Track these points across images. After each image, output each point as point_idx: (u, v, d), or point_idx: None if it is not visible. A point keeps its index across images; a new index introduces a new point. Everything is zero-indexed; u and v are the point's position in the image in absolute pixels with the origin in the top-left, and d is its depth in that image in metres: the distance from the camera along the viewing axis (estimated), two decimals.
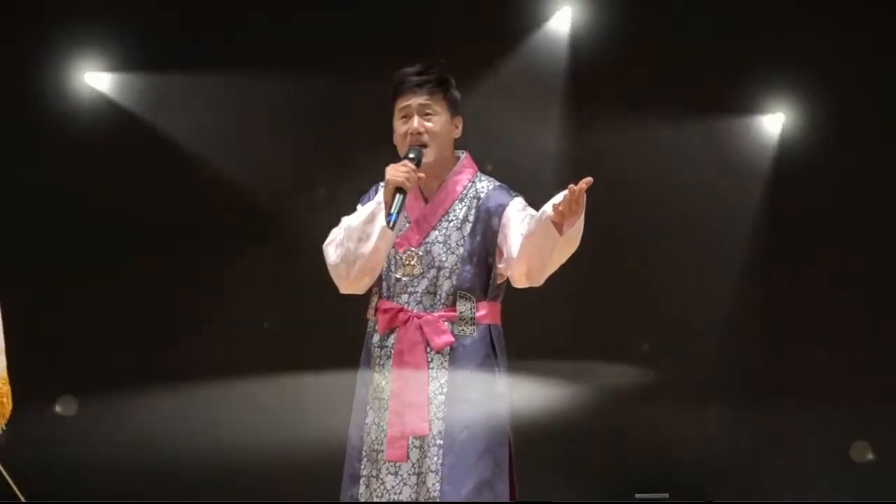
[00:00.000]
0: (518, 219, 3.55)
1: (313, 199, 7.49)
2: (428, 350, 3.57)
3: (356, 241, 3.56)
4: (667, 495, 6.87)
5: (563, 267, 3.67)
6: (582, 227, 3.47)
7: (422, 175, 3.58)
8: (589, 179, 3.33)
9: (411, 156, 3.60)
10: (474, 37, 8.46)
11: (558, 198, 3.37)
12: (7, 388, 6.37)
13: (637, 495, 6.73)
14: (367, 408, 3.63)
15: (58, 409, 6.22)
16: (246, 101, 7.96)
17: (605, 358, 7.48)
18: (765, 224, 8.69)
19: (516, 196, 3.67)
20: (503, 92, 8.57)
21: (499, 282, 3.66)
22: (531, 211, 3.57)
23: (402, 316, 3.59)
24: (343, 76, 8.49)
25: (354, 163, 7.32)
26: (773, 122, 9.33)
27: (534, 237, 3.47)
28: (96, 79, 8.86)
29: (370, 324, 3.71)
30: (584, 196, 3.35)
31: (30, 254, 7.95)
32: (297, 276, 7.17)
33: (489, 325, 3.63)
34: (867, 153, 8.68)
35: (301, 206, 7.58)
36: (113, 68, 8.67)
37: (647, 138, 8.73)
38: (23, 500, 6.74)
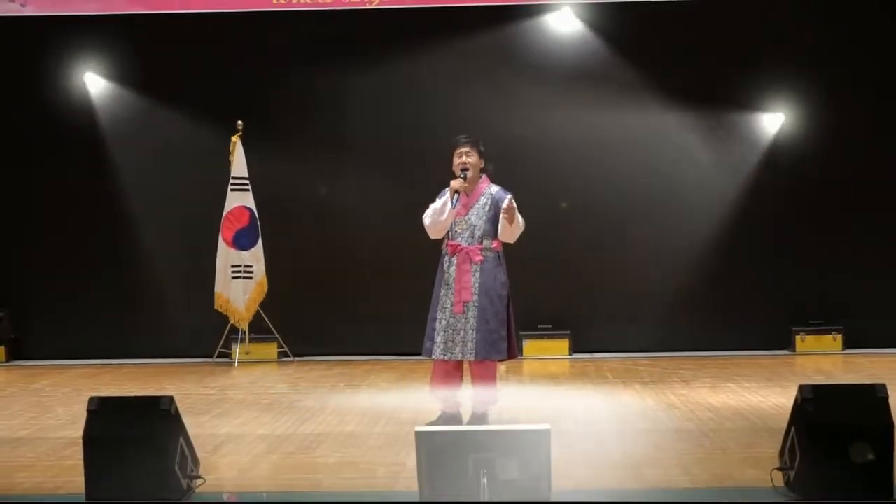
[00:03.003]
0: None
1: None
2: (471, 262, 7.98)
3: (438, 215, 7.96)
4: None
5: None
6: (521, 222, 7.78)
7: (467, 185, 8.00)
8: (510, 196, 7.77)
9: (462, 175, 8.03)
10: (479, 41, 11.99)
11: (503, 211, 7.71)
12: (265, 281, 11.50)
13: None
14: (442, 289, 8.05)
15: None
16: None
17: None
18: (759, 212, 12.14)
19: (508, 193, 8.01)
20: (512, 87, 12.14)
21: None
22: (513, 204, 7.83)
23: (459, 248, 8.01)
24: (346, 85, 12.33)
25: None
26: (773, 121, 12.07)
27: (502, 221, 7.82)
28: (93, 81, 12.48)
29: (443, 251, 8.12)
30: (514, 208, 7.67)
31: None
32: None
33: (499, 251, 8.04)
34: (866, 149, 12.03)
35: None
36: (110, 76, 12.48)
37: (654, 131, 12.18)
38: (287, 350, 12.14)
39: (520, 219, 7.87)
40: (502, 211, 7.77)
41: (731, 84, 12.14)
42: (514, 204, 7.74)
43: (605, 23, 12.21)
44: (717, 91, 12.14)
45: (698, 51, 12.07)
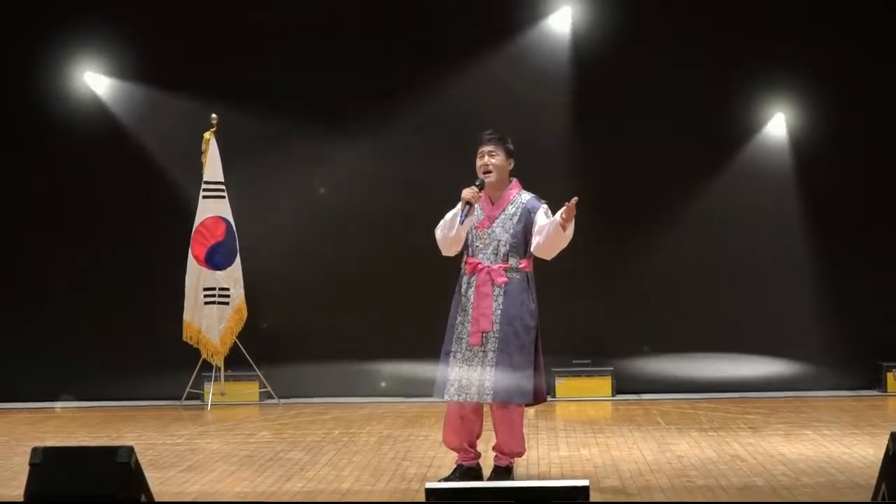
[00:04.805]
0: (542, 220, 7.80)
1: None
2: (493, 285, 7.91)
3: (448, 229, 7.90)
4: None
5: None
6: (573, 230, 7.72)
7: (481, 195, 7.90)
8: (576, 199, 7.71)
9: (478, 184, 7.92)
10: (476, 34, 12.10)
11: (562, 211, 7.62)
12: (244, 307, 11.47)
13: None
14: (458, 316, 7.99)
15: None
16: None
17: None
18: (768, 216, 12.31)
19: (543, 203, 7.97)
20: (507, 87, 12.24)
21: (531, 248, 8.04)
22: (550, 215, 7.80)
23: (480, 266, 7.93)
24: (341, 75, 12.38)
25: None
26: (776, 124, 12.24)
27: (547, 230, 7.77)
28: (94, 80, 12.54)
29: (462, 270, 8.07)
30: (575, 209, 7.69)
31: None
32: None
33: (527, 272, 7.97)
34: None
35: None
36: (111, 73, 12.55)
37: (645, 139, 12.25)
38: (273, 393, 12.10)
39: (572, 227, 7.67)
40: (563, 210, 7.54)
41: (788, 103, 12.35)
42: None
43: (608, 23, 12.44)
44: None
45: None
